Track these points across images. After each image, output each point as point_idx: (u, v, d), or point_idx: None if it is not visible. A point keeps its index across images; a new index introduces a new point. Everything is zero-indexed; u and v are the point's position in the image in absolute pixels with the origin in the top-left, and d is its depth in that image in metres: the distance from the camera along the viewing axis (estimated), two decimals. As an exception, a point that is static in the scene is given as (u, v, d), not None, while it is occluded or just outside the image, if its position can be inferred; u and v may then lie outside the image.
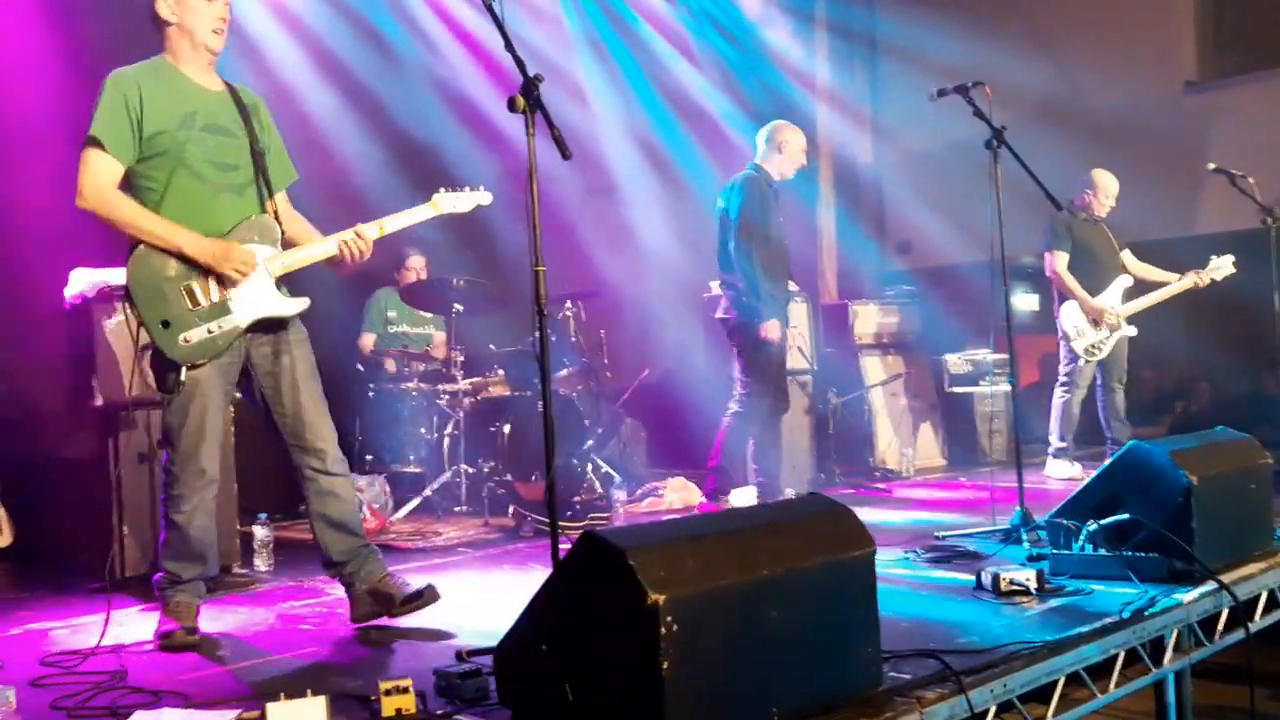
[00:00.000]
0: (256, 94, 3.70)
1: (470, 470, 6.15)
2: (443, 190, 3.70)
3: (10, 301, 5.27)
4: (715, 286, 7.20)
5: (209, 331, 3.36)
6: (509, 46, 2.94)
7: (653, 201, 8.40)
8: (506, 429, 6.04)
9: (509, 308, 6.53)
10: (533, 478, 5.94)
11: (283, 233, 3.56)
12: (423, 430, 6.41)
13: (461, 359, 6.35)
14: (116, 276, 4.66)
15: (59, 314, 4.74)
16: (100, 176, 3.32)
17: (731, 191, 5.75)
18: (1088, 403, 6.94)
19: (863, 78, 10.10)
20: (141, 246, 3.35)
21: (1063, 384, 6.91)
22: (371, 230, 3.54)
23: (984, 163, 4.80)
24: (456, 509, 6.15)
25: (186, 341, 3.34)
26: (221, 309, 3.39)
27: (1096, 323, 6.75)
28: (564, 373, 6.68)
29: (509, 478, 5.99)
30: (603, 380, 7.10)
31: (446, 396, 6.37)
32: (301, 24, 6.81)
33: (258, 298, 3.44)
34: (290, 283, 3.57)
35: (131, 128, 3.34)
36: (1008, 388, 5.16)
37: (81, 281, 4.63)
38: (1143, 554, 3.70)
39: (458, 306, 6.28)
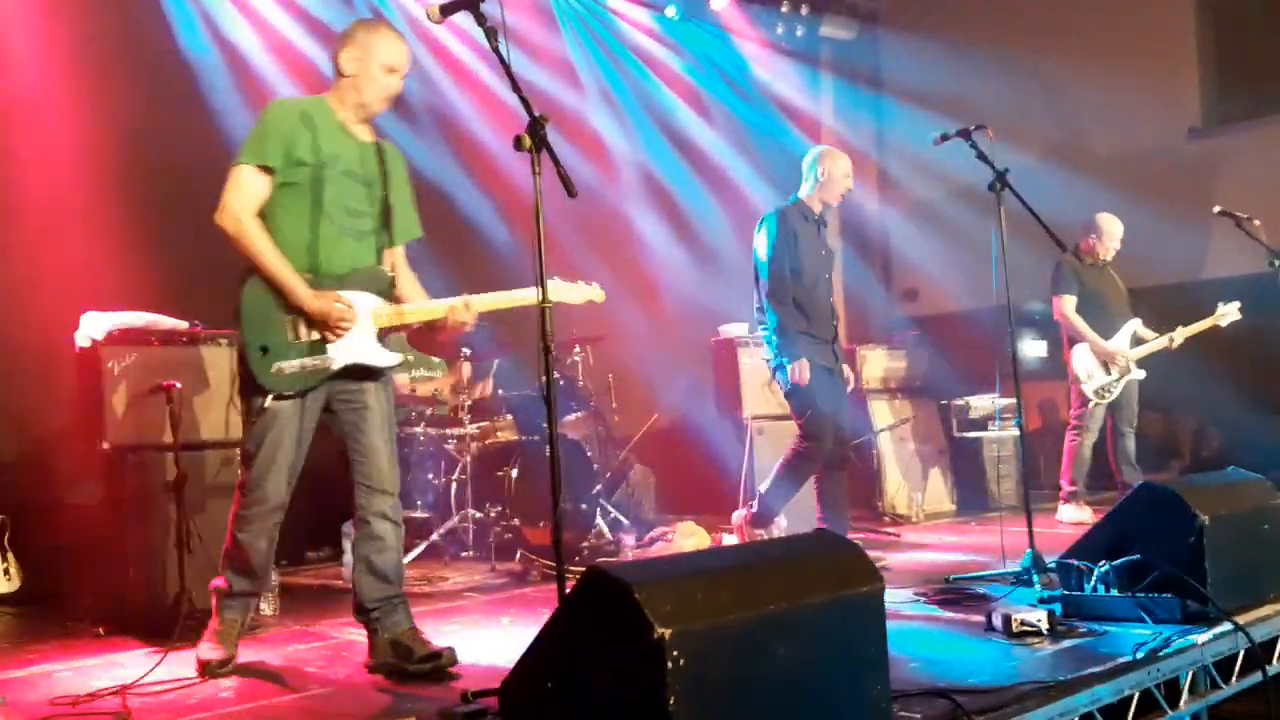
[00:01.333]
0: (399, 151, 3.80)
1: (477, 515, 6.12)
2: (556, 278, 3.72)
3: (20, 345, 5.30)
4: (724, 330, 7.21)
5: (302, 366, 3.45)
6: (515, 87, 2.97)
7: (661, 246, 8.44)
8: (514, 473, 6.02)
9: (516, 351, 6.55)
10: (540, 523, 5.91)
11: (394, 286, 3.65)
12: (430, 475, 6.39)
13: (469, 403, 6.35)
14: (126, 320, 4.72)
15: (69, 358, 4.76)
16: (244, 198, 3.43)
17: (759, 229, 5.56)
18: (1098, 447, 6.91)
19: (868, 124, 10.18)
20: (260, 275, 3.44)
21: (1073, 428, 6.89)
22: (479, 304, 3.61)
23: (989, 208, 4.81)
24: (464, 554, 6.12)
25: (279, 371, 3.43)
26: (318, 348, 3.47)
27: (1107, 366, 6.74)
28: (572, 417, 6.68)
29: (516, 523, 5.96)
30: (611, 425, 7.09)
31: (454, 441, 6.36)
32: (303, 62, 6.87)
33: (356, 344, 3.52)
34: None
35: (281, 147, 3.45)
36: (1016, 432, 5.12)
37: (91, 325, 4.65)
38: (1156, 595, 3.66)
39: (466, 350, 6.31)
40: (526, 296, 3.57)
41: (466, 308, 3.58)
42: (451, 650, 3.47)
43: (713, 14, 8.92)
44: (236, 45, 6.73)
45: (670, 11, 8.73)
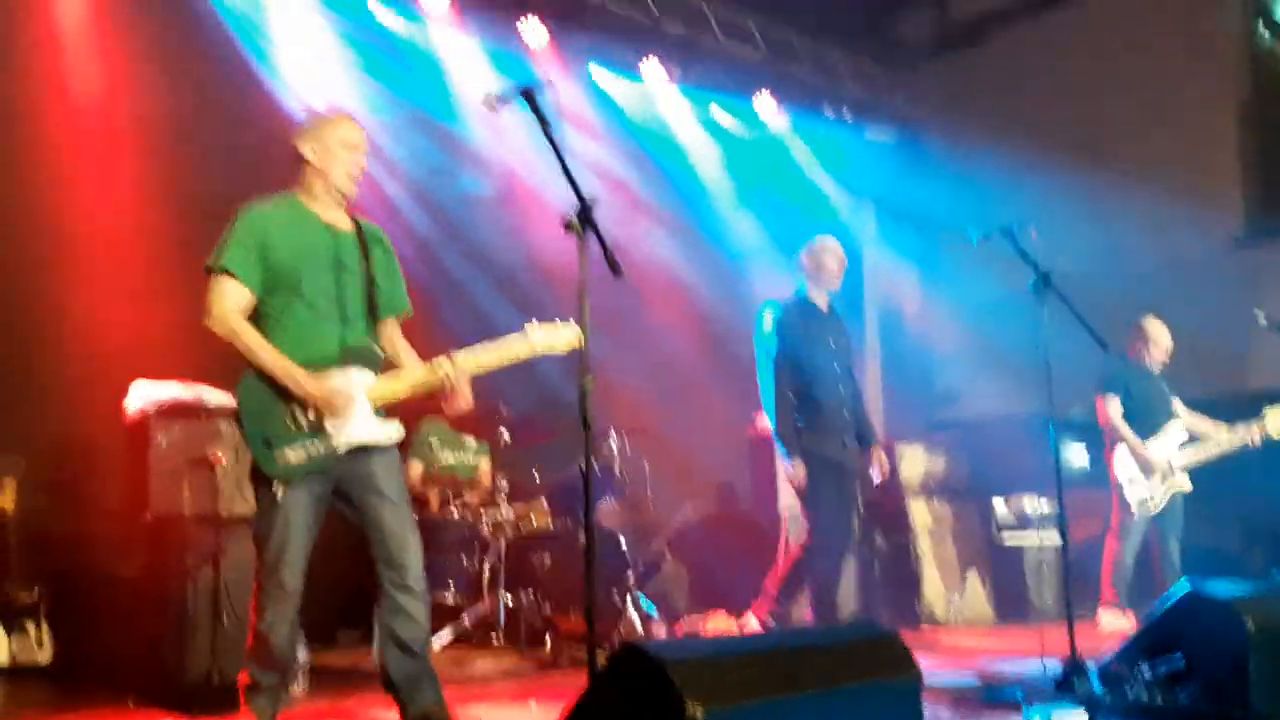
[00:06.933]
0: (379, 230, 3.89)
1: (509, 600, 6.08)
2: (534, 321, 3.69)
3: (69, 414, 5.36)
4: (759, 422, 7.20)
5: (306, 453, 3.50)
6: (565, 171, 3.03)
7: (699, 339, 8.48)
8: (547, 559, 5.99)
9: (556, 436, 6.57)
10: (571, 611, 5.86)
11: (385, 360, 3.71)
12: (462, 558, 6.35)
13: (506, 487, 6.35)
14: (175, 392, 4.81)
15: (118, 428, 4.84)
16: (227, 303, 3.52)
17: (760, 323, 5.61)
18: (1141, 555, 6.76)
19: (909, 227, 10.26)
20: (254, 370, 3.52)
21: (1114, 533, 6.76)
22: (463, 360, 3.63)
23: (1030, 313, 4.78)
24: (494, 640, 6.05)
25: (284, 460, 3.48)
26: (320, 432, 3.52)
27: (1150, 472, 6.63)
28: (607, 506, 6.66)
29: (548, 609, 5.91)
30: (646, 515, 7.06)
31: (489, 525, 6.34)
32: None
33: (355, 424, 3.57)
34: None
35: (260, 263, 3.55)
36: (1058, 539, 5.01)
37: (141, 395, 4.74)
38: (1198, 704, 3.57)
39: (505, 435, 6.33)
40: (512, 345, 3.62)
41: (452, 364, 3.61)
42: None
43: (759, 117, 9.10)
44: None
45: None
